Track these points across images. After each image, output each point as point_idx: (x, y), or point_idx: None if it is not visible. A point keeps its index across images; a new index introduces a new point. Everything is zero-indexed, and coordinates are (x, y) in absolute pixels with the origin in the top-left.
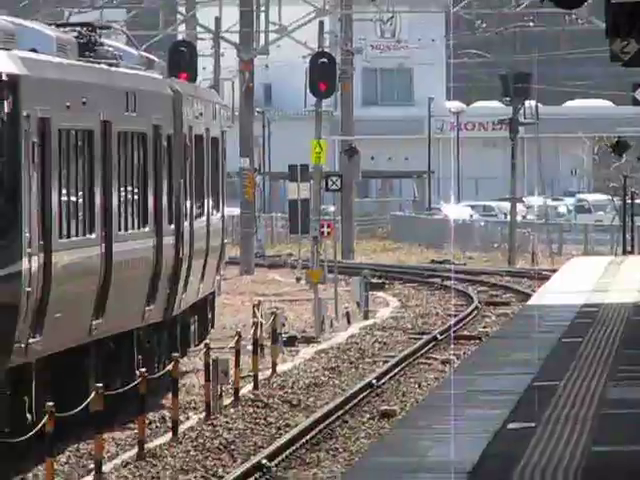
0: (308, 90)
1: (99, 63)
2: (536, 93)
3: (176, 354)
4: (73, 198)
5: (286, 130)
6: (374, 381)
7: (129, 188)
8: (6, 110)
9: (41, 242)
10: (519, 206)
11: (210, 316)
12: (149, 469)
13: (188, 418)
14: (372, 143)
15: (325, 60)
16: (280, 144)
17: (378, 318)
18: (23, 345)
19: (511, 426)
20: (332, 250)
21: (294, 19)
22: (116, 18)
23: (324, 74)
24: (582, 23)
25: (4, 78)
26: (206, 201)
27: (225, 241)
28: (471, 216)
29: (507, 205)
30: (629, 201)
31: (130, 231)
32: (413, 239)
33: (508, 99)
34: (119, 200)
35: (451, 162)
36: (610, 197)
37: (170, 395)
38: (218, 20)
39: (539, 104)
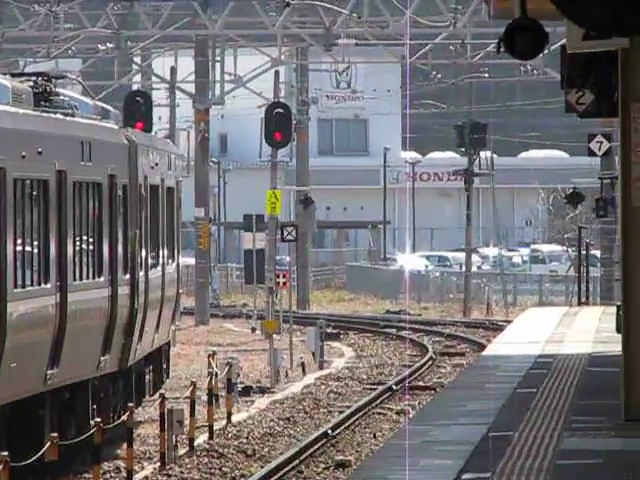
0: (264, 140)
1: (55, 113)
2: (491, 144)
3: (131, 404)
4: (28, 248)
5: (241, 180)
6: (329, 431)
7: (84, 237)
8: None
9: None
10: (474, 257)
11: (165, 366)
12: None
13: (143, 468)
14: (328, 193)
15: (281, 110)
16: (235, 194)
17: (333, 368)
18: None
19: (465, 477)
20: (287, 300)
21: (250, 69)
22: (72, 68)
23: (280, 124)
24: (537, 74)
25: None
26: (161, 251)
27: (180, 291)
28: (426, 267)
29: (462, 255)
30: (584, 252)
31: (85, 281)
32: (369, 289)
33: (463, 150)
34: (74, 250)
35: (406, 212)
36: (565, 248)
37: (125, 445)
38: (174, 70)
39: (494, 155)
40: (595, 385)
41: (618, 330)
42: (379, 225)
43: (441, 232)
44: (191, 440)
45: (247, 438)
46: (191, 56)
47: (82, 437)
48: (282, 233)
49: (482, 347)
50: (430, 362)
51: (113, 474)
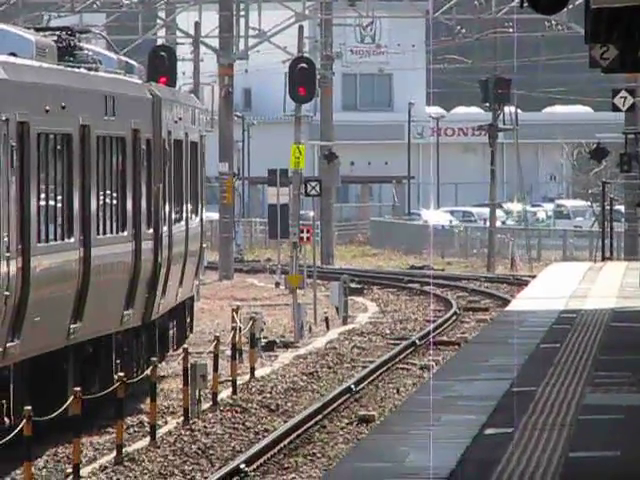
0: (288, 95)
1: (78, 67)
2: (516, 99)
3: (155, 358)
4: (51, 202)
5: (265, 135)
6: (353, 386)
7: (108, 192)
8: None
9: (19, 246)
10: (498, 212)
11: (189, 321)
12: (127, 473)
13: (166, 423)
14: (352, 148)
15: (304, 65)
16: (259, 149)
17: (357, 323)
18: (1, 349)
19: (488, 432)
20: (311, 255)
21: (273, 24)
22: (95, 22)
23: (303, 79)
24: (562, 29)
25: None
26: (185, 206)
27: (204, 246)
28: (450, 222)
29: (486, 211)
30: (608, 207)
31: (109, 235)
32: (392, 244)
33: (488, 105)
34: (98, 204)
35: (431, 167)
36: (589, 203)
37: (148, 400)
38: (198, 25)
39: (518, 110)
40: (618, 341)
41: None
42: (403, 180)
43: (465, 187)
44: (214, 395)
45: (270, 393)
46: (215, 10)
47: (106, 391)
48: (306, 188)
49: (506, 302)
50: (454, 317)
51: (137, 428)
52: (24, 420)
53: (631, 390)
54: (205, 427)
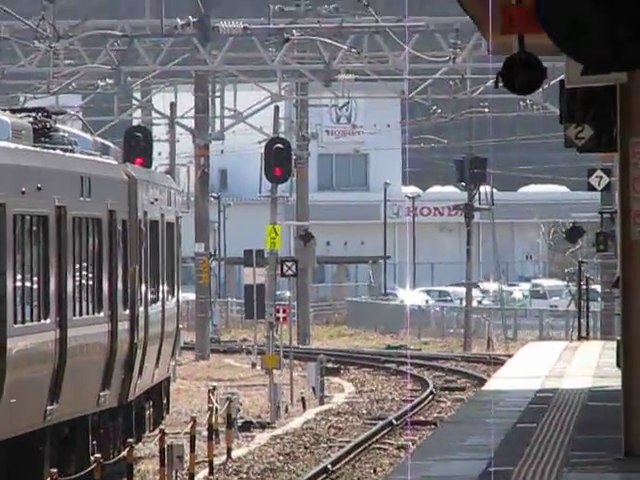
0: (264, 175)
1: (54, 149)
2: (491, 178)
3: (131, 439)
4: (28, 283)
5: (241, 215)
6: (329, 466)
7: (84, 273)
8: None
9: None
10: (474, 291)
11: (165, 401)
12: None
13: None
14: (328, 228)
15: (280, 145)
16: (235, 229)
17: (334, 403)
18: None
19: None
20: (288, 335)
21: (249, 105)
22: (71, 103)
23: (279, 159)
24: (537, 109)
25: None
26: (161, 286)
27: (180, 326)
28: (427, 301)
29: (463, 290)
30: (584, 286)
31: (85, 316)
32: (369, 324)
33: (464, 184)
34: (74, 285)
35: (407, 247)
36: (565, 282)
37: None
38: (173, 105)
39: (494, 189)
40: (595, 420)
41: (618, 365)
42: (379, 260)
43: (441, 267)
44: (191, 476)
45: (247, 473)
46: (191, 91)
47: (82, 473)
48: (282, 268)
49: (482, 382)
50: (430, 397)
51: None
52: None
53: (608, 470)
54: None
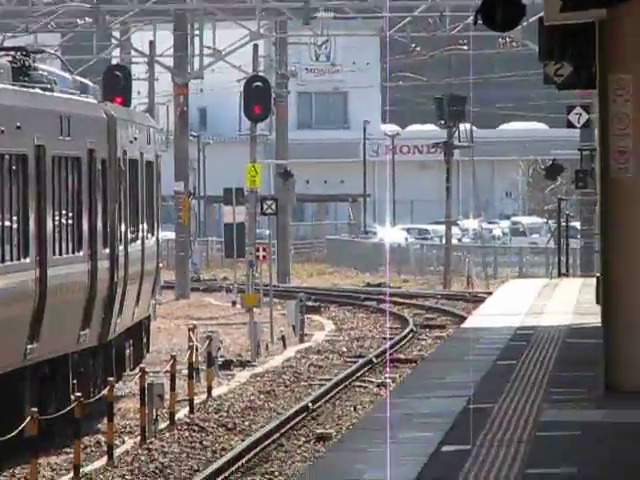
0: (243, 114)
1: (33, 87)
2: (471, 116)
3: (111, 378)
4: (7, 222)
5: (221, 154)
6: (310, 404)
7: (64, 212)
8: None
9: None
10: (454, 229)
11: (145, 340)
12: None
13: (124, 442)
14: (307, 167)
15: (259, 84)
16: (215, 168)
17: (314, 341)
18: None
19: (446, 449)
20: (267, 274)
21: (228, 43)
22: (50, 42)
23: (259, 98)
24: (516, 46)
25: None
26: (141, 225)
27: (160, 265)
28: (406, 239)
29: (442, 228)
30: (564, 224)
31: (65, 255)
32: (349, 262)
33: (443, 122)
34: (54, 224)
35: (386, 185)
36: (545, 220)
37: (105, 419)
38: (152, 44)
39: (474, 127)
40: (575, 357)
41: (598, 302)
42: (359, 198)
43: (421, 205)
44: (172, 414)
45: (228, 412)
46: (170, 30)
47: (62, 412)
48: (262, 207)
49: (462, 319)
50: (410, 335)
51: (94, 448)
52: None
53: (587, 406)
54: (162, 446)
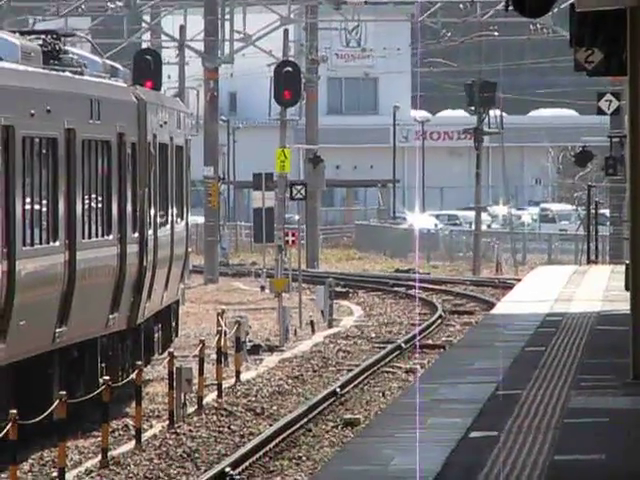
0: (273, 99)
1: (64, 71)
2: (501, 102)
3: (140, 362)
4: (37, 206)
5: (251, 139)
6: (338, 389)
7: (93, 196)
8: None
9: (4, 249)
10: (483, 215)
11: (174, 324)
12: (112, 477)
13: (152, 426)
14: (337, 152)
15: (290, 69)
16: (245, 152)
17: (342, 327)
18: None
19: (474, 435)
20: (296, 259)
21: (259, 28)
22: (81, 26)
23: (289, 83)
24: (547, 32)
25: None
26: (170, 209)
27: (189, 249)
28: (436, 225)
29: (472, 214)
30: (593, 211)
31: (94, 239)
32: (378, 248)
33: (473, 108)
34: (83, 208)
35: (416, 171)
36: (574, 207)
37: (134, 403)
38: (183, 28)
39: (504, 113)
40: (603, 344)
41: (627, 288)
42: (389, 184)
43: (451, 191)
44: (200, 398)
45: (256, 396)
46: (200, 14)
47: (91, 395)
48: (291, 192)
49: (491, 305)
50: (439, 320)
51: (122, 432)
52: (9, 424)
53: (615, 393)
54: (190, 431)
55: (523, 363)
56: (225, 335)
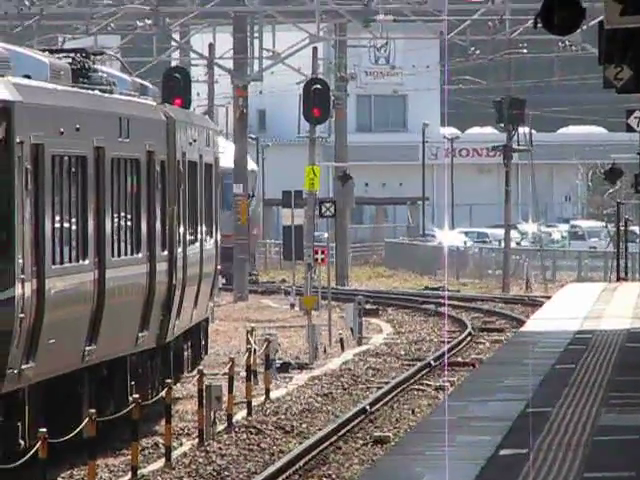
0: (302, 116)
1: (93, 89)
2: (530, 119)
3: (169, 380)
4: (66, 224)
5: (280, 156)
6: (367, 407)
7: (122, 214)
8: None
9: (34, 268)
10: (513, 233)
11: (203, 342)
12: None
13: (181, 444)
14: (366, 169)
15: (319, 86)
16: (274, 170)
17: (372, 344)
18: (16, 371)
19: (503, 452)
20: (326, 276)
21: (288, 45)
22: (110, 44)
23: (318, 100)
24: (575, 49)
25: None
26: (199, 227)
27: (218, 267)
28: (465, 243)
29: (501, 232)
30: (623, 228)
31: (123, 257)
32: (407, 265)
33: (502, 125)
34: (112, 226)
35: (445, 188)
36: (604, 224)
37: (163, 421)
38: (212, 46)
39: (533, 130)
40: (633, 361)
41: None
42: (418, 201)
43: (480, 208)
44: (229, 416)
45: (285, 414)
46: (229, 32)
47: (120, 413)
48: (320, 209)
49: (521, 323)
50: (469, 338)
51: (151, 450)
52: (39, 442)
53: None
54: (220, 449)
55: (553, 380)
56: (254, 353)
